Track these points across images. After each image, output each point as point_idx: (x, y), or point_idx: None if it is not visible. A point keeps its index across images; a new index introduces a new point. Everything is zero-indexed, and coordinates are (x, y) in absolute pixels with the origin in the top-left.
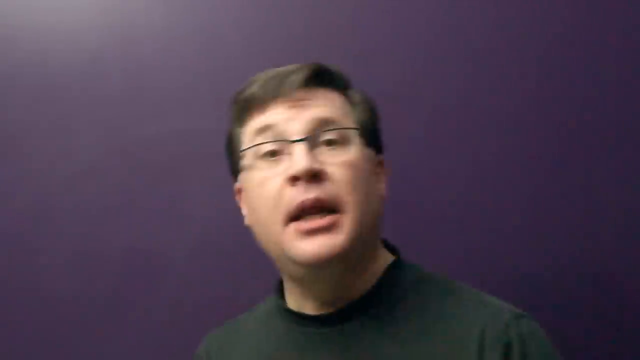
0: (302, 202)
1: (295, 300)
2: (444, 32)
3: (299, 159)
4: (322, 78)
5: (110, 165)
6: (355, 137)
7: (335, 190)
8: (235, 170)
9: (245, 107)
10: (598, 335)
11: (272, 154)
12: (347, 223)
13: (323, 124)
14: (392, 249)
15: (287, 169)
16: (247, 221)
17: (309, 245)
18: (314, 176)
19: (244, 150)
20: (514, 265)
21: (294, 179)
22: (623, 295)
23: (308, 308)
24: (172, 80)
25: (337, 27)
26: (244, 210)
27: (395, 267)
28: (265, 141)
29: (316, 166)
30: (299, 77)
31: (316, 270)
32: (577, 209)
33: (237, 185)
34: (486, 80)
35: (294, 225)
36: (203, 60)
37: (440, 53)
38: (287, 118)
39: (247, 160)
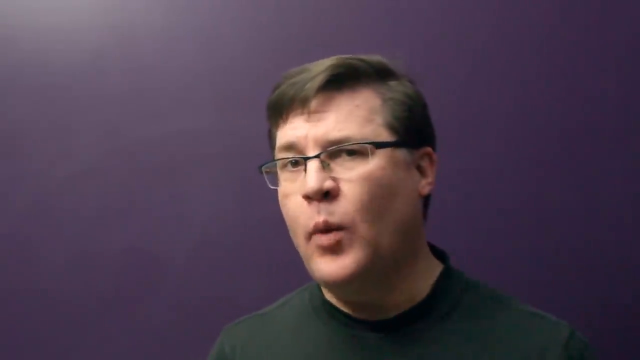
0: (315, 224)
1: (332, 297)
2: (443, 32)
3: (309, 178)
4: (341, 79)
5: (110, 165)
6: (374, 147)
7: (347, 208)
8: None
9: (272, 114)
10: (599, 335)
11: (294, 163)
12: (357, 242)
13: (335, 142)
14: (440, 254)
15: (301, 187)
16: None
17: (323, 266)
18: (326, 194)
19: (265, 165)
20: (514, 265)
21: (307, 198)
22: (624, 294)
23: (345, 308)
24: (172, 80)
25: (337, 27)
26: None
27: (447, 275)
28: (284, 157)
29: (326, 185)
30: (314, 84)
31: (335, 288)
32: (577, 208)
33: None
34: (486, 80)
35: (314, 239)
36: (203, 60)
37: (440, 53)
38: (304, 136)
39: (275, 167)
